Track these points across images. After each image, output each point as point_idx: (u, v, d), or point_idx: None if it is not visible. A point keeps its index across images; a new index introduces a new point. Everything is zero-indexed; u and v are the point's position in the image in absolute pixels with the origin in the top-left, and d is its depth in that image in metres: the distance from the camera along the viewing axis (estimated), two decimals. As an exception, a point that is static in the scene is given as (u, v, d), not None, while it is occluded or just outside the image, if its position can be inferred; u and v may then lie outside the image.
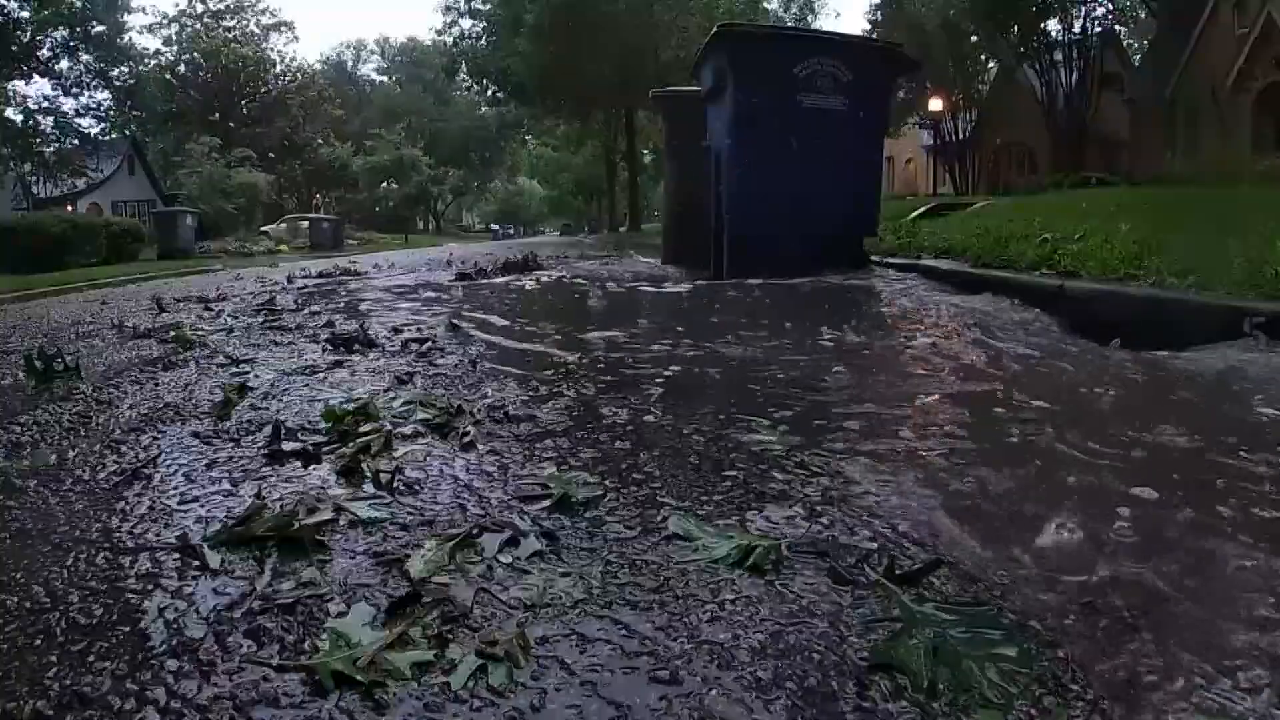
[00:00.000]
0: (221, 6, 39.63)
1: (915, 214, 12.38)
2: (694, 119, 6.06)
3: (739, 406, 1.88)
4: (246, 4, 40.44)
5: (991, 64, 28.71)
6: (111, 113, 24.85)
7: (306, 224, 24.00)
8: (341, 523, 1.20)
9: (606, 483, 1.37)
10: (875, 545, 1.13)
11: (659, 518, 1.22)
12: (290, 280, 6.68)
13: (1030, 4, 22.46)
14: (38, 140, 22.07)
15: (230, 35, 37.73)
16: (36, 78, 22.01)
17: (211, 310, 4.43)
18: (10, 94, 21.86)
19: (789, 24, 31.97)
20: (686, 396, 2.00)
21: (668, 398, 1.98)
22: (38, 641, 0.90)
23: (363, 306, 4.40)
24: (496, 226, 59.05)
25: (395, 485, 1.36)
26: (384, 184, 38.81)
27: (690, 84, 6.72)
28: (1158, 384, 2.10)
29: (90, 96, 23.34)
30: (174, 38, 37.35)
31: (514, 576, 1.04)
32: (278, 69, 38.17)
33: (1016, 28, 22.94)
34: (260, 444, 1.60)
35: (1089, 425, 1.69)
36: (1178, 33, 21.07)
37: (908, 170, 34.52)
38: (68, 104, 22.84)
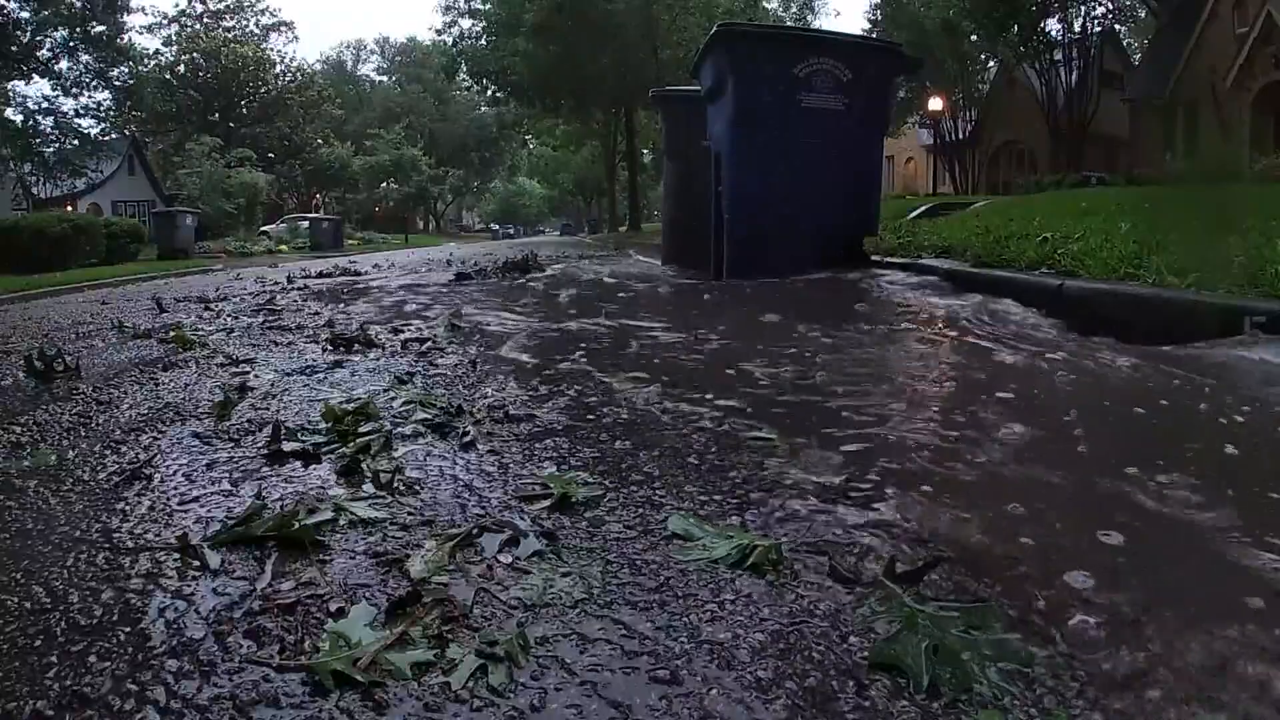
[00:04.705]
0: (221, 6, 39.71)
1: (915, 213, 12.41)
2: (694, 119, 6.06)
3: (740, 406, 1.88)
4: (246, 4, 40.52)
5: (991, 64, 28.72)
6: (111, 113, 24.85)
7: (306, 224, 23.99)
8: (341, 523, 1.20)
9: (606, 483, 1.37)
10: (875, 544, 1.12)
11: (659, 518, 1.22)
12: (290, 280, 6.68)
13: (1030, 3, 22.45)
14: (38, 140, 22.06)
15: (230, 35, 37.73)
16: (36, 78, 22.01)
17: (211, 310, 4.43)
18: (10, 94, 21.88)
19: (789, 24, 31.99)
20: (686, 397, 2.00)
21: (667, 398, 1.98)
22: (38, 641, 0.90)
23: (363, 306, 4.40)
24: (496, 226, 59.07)
25: (395, 485, 1.36)
26: (384, 184, 38.79)
27: (690, 84, 6.72)
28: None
29: (90, 96, 23.35)
30: (174, 38, 37.38)
31: (514, 576, 1.04)
32: (278, 69, 38.15)
33: (1016, 27, 22.92)
34: (260, 444, 1.60)
35: (1063, 416, 1.69)
36: (1178, 32, 21.08)
37: (908, 170, 34.52)
38: (68, 104, 22.86)
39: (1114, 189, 11.89)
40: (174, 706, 0.78)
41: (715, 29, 5.24)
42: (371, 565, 1.07)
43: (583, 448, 1.58)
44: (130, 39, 24.56)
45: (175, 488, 1.39)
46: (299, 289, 5.77)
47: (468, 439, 1.62)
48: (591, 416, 1.81)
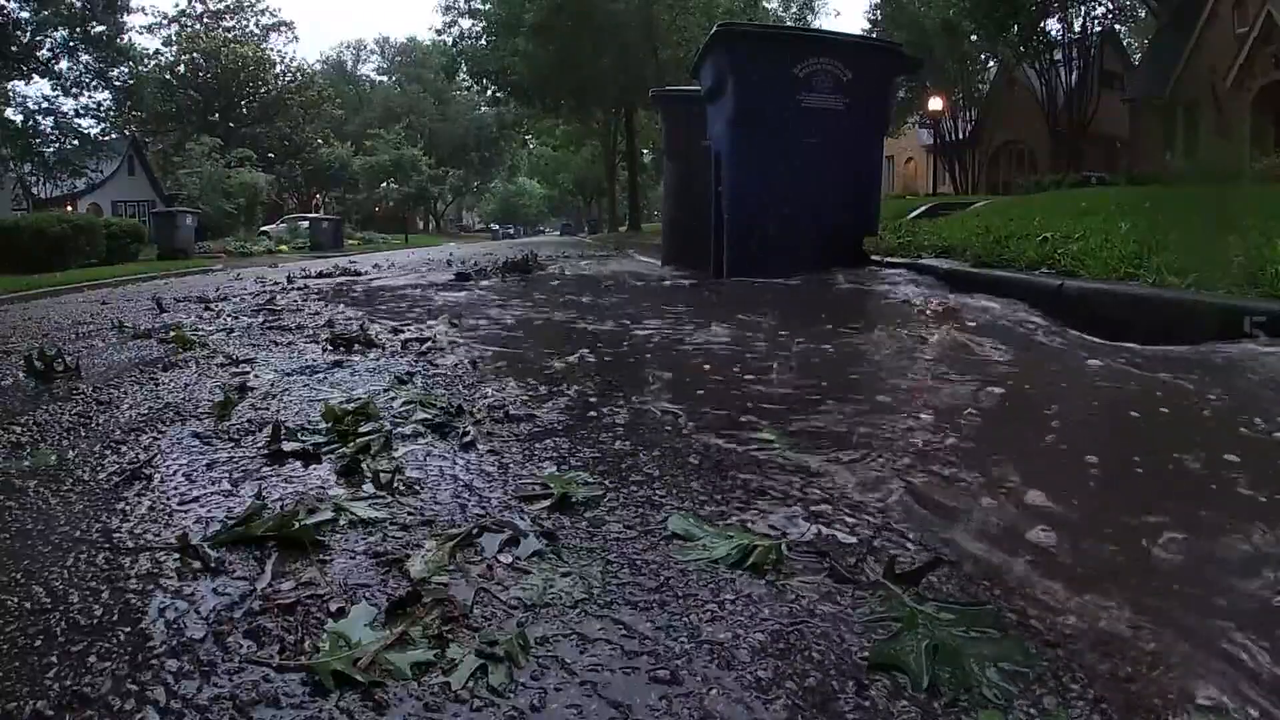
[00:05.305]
0: (221, 6, 39.73)
1: (915, 213, 12.41)
2: (694, 119, 6.07)
3: (740, 406, 1.88)
4: (246, 4, 40.54)
5: (991, 64, 28.73)
6: (111, 113, 24.86)
7: (306, 224, 23.99)
8: (341, 523, 1.20)
9: (606, 482, 1.37)
10: (875, 544, 1.12)
11: (659, 518, 1.22)
12: (290, 280, 6.68)
13: (1030, 3, 22.46)
14: (38, 140, 22.06)
15: (230, 35, 37.75)
16: (36, 78, 22.01)
17: (211, 310, 4.43)
18: (10, 94, 21.89)
19: (789, 24, 31.99)
20: (686, 396, 2.00)
21: (667, 397, 1.98)
22: (38, 641, 0.90)
23: (363, 306, 4.40)
24: (496, 226, 59.12)
25: (395, 485, 1.36)
26: (384, 184, 38.79)
27: (690, 84, 6.72)
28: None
29: (90, 96, 23.36)
30: (174, 38, 37.39)
31: (514, 576, 1.04)
32: (278, 69, 38.18)
33: (1016, 27, 22.93)
34: (260, 444, 1.60)
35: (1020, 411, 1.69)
36: (1178, 32, 21.08)
37: (908, 170, 34.52)
38: (68, 104, 22.87)
39: (1114, 189, 11.89)
40: (174, 706, 0.78)
41: (715, 29, 5.25)
42: (371, 565, 1.07)
43: (583, 448, 1.58)
44: (130, 39, 24.59)
45: (175, 488, 1.39)
46: (299, 289, 5.77)
47: (468, 439, 1.62)
48: (592, 416, 1.81)
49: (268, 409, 1.93)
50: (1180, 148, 19.08)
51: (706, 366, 2.42)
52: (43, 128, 22.47)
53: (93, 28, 21.85)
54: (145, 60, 30.51)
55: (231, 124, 34.89)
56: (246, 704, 0.78)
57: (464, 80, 32.21)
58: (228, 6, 39.98)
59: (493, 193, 62.60)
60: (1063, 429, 1.69)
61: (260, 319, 3.83)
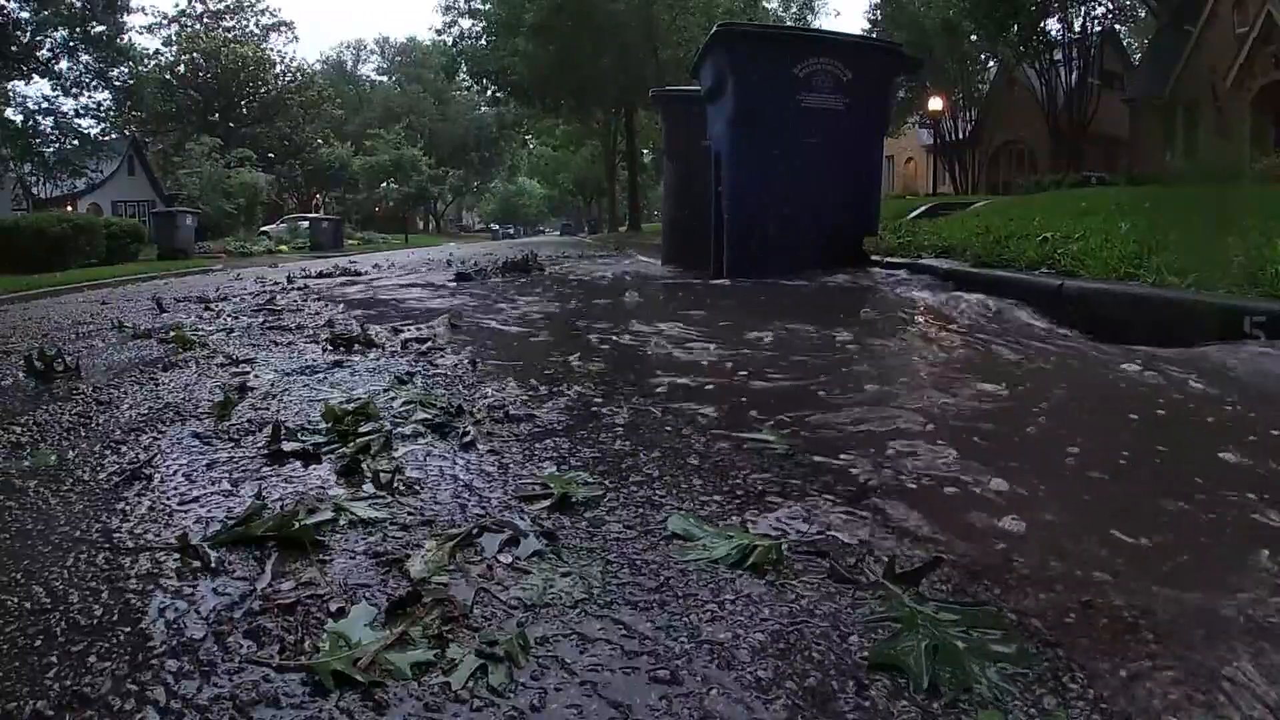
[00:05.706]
0: (221, 6, 39.77)
1: (915, 213, 12.42)
2: (694, 119, 6.07)
3: (739, 407, 1.88)
4: (246, 4, 40.57)
5: (991, 64, 28.73)
6: (111, 113, 24.88)
7: (306, 224, 23.99)
8: (341, 523, 1.20)
9: (606, 482, 1.37)
10: (875, 544, 1.12)
11: (659, 518, 1.22)
12: (290, 280, 6.68)
13: (1030, 3, 22.46)
14: (38, 140, 22.08)
15: (230, 35, 37.77)
16: (36, 78, 22.03)
17: (211, 310, 4.43)
18: (10, 94, 21.91)
19: (789, 24, 32.01)
20: (686, 398, 2.00)
21: (667, 398, 1.98)
22: (38, 641, 0.90)
23: (364, 306, 4.40)
24: (496, 226, 59.17)
25: (395, 485, 1.36)
26: (384, 184, 38.78)
27: (690, 84, 6.72)
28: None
29: (90, 96, 23.39)
30: (174, 38, 37.42)
31: (514, 576, 1.04)
32: (277, 69, 38.19)
33: (1016, 27, 22.93)
34: (260, 444, 1.60)
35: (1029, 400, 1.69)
36: (1178, 32, 21.09)
37: (908, 170, 34.52)
38: (68, 104, 22.90)
39: (1114, 189, 11.90)
40: (174, 706, 0.78)
41: (715, 29, 5.25)
42: (371, 565, 1.07)
43: (582, 448, 1.58)
44: (130, 39, 24.61)
45: (175, 488, 1.39)
46: (299, 289, 5.77)
47: (468, 439, 1.62)
48: (591, 415, 1.81)
49: (268, 409, 1.93)
50: (1180, 148, 19.09)
51: (705, 365, 2.42)
52: (43, 128, 22.52)
53: (93, 28, 21.86)
54: (145, 60, 30.56)
55: (231, 124, 34.90)
56: (246, 704, 0.78)
57: (464, 80, 32.21)
58: (228, 6, 40.02)
59: (493, 193, 62.61)
60: (1059, 428, 1.69)
61: (260, 319, 3.83)
